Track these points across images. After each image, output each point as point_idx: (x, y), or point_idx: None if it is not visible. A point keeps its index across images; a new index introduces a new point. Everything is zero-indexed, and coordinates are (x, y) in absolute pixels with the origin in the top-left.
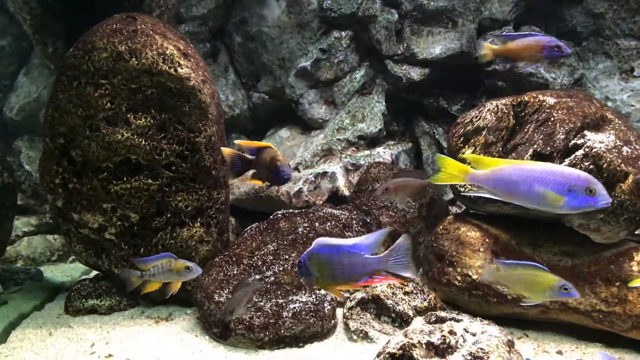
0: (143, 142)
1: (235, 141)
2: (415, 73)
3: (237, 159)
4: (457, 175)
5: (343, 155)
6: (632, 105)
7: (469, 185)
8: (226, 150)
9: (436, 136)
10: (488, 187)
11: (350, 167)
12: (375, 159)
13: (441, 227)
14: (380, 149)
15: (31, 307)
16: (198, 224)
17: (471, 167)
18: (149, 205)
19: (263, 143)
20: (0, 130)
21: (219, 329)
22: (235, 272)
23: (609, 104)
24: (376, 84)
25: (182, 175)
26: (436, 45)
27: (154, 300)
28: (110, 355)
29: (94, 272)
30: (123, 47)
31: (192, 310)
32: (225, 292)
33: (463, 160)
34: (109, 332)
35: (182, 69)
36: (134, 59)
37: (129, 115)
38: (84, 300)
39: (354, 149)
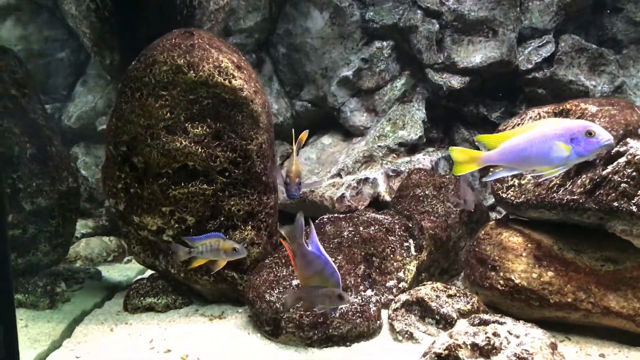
0: (199, 150)
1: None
2: (456, 81)
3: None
4: (471, 161)
5: (384, 162)
6: None
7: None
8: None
9: (475, 143)
10: (503, 164)
11: (391, 173)
12: (415, 165)
13: (483, 232)
14: (420, 156)
15: (92, 304)
16: (249, 227)
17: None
18: (204, 209)
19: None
20: (60, 138)
21: (270, 327)
22: (284, 274)
23: None
24: (416, 92)
25: (235, 181)
26: (476, 54)
27: (207, 299)
28: (169, 350)
29: (149, 272)
30: (182, 61)
31: (244, 309)
32: (275, 292)
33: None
34: (166, 328)
35: (235, 80)
36: (192, 72)
37: (186, 125)
38: (142, 298)
39: (394, 155)
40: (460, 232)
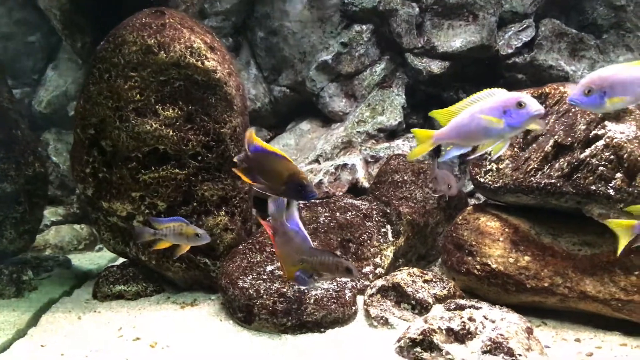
0: (171, 133)
1: (248, 130)
2: (436, 66)
3: (244, 150)
4: (425, 141)
5: (363, 148)
6: None
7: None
8: (249, 133)
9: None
10: (452, 140)
11: (369, 159)
12: (394, 151)
13: (461, 218)
14: (399, 142)
15: (60, 292)
16: (223, 212)
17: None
18: (176, 194)
19: (276, 149)
20: (30, 123)
21: (243, 314)
22: (258, 259)
23: None
24: (396, 77)
25: (208, 165)
26: (457, 38)
27: (179, 287)
28: (137, 339)
29: (121, 260)
30: (152, 41)
31: (217, 297)
32: (249, 278)
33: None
34: (136, 316)
35: (208, 61)
36: (162, 52)
37: (157, 107)
38: (111, 286)
39: (373, 141)
40: (438, 217)
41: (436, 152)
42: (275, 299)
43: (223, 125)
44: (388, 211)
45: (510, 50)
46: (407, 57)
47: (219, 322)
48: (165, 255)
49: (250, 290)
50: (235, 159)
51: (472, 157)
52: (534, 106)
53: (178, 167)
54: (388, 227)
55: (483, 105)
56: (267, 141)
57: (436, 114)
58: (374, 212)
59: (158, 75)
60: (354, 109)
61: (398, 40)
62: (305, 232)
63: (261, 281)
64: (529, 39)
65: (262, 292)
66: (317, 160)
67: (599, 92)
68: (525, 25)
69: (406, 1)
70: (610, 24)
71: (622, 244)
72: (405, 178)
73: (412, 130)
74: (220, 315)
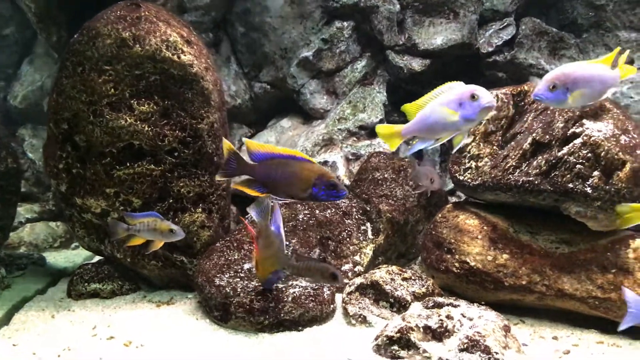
0: (146, 128)
1: (244, 139)
2: (417, 64)
3: (234, 160)
4: (393, 135)
5: (344, 145)
6: (632, 97)
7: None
8: (227, 145)
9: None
10: (417, 134)
11: (350, 157)
12: (375, 148)
13: (440, 215)
14: (381, 139)
15: (34, 291)
16: (200, 209)
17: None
18: (152, 191)
19: (290, 150)
20: (4, 119)
21: (220, 312)
22: (236, 257)
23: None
24: (377, 74)
25: (185, 161)
26: (437, 36)
27: (156, 285)
28: (112, 337)
29: (97, 258)
30: (127, 34)
31: (193, 295)
32: (225, 276)
33: None
34: (111, 315)
35: (185, 55)
36: (137, 46)
37: (132, 101)
38: (86, 284)
39: (354, 138)
40: (419, 215)
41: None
42: (253, 297)
43: (200, 121)
44: (368, 209)
45: (490, 49)
46: (388, 55)
47: (195, 321)
48: (140, 253)
49: (227, 289)
50: (220, 175)
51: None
52: (486, 98)
53: (154, 163)
54: (368, 224)
55: (442, 98)
56: (248, 138)
57: (406, 108)
58: (354, 209)
59: (133, 69)
60: (335, 106)
61: (379, 37)
62: (283, 234)
63: (238, 279)
64: (510, 37)
65: (239, 290)
66: None
67: (563, 88)
68: (505, 24)
69: None
70: (590, 24)
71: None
72: (386, 176)
73: (377, 127)
74: (197, 314)
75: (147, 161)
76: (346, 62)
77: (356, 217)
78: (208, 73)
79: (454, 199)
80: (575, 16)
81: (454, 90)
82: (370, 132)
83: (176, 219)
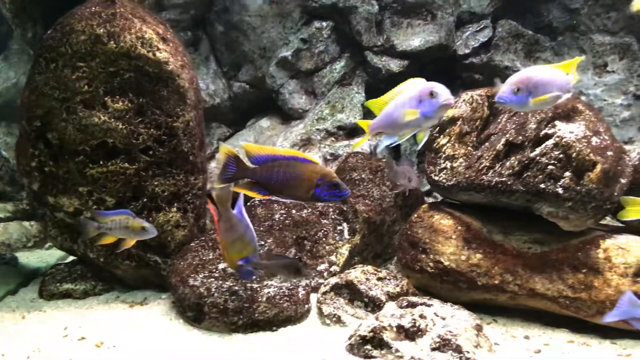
0: (120, 126)
1: (242, 143)
2: (395, 65)
3: (234, 164)
4: (365, 132)
5: (322, 145)
6: (605, 100)
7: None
8: (225, 149)
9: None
10: (382, 130)
11: (328, 157)
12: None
13: (416, 216)
14: (358, 139)
15: (5, 291)
16: (175, 208)
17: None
18: (125, 189)
19: (292, 151)
20: None
21: (193, 313)
22: (211, 257)
23: (583, 98)
24: (356, 75)
25: (159, 160)
26: (415, 37)
27: (130, 285)
28: (83, 338)
29: (71, 258)
30: (101, 30)
31: (167, 295)
32: (200, 276)
33: None
34: (83, 315)
35: (160, 53)
36: (112, 42)
37: (106, 99)
38: (58, 284)
39: (333, 139)
40: (395, 215)
41: (395, 149)
42: (227, 297)
43: (175, 119)
44: (345, 209)
45: (467, 51)
46: (366, 55)
47: (169, 322)
48: (114, 253)
49: (201, 289)
50: (219, 180)
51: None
52: (444, 95)
53: (128, 161)
54: (345, 224)
55: (404, 95)
56: (226, 138)
57: (370, 104)
58: (331, 209)
59: (107, 66)
60: (314, 106)
61: (358, 38)
62: (249, 222)
63: (213, 279)
64: (486, 39)
65: (213, 290)
66: None
67: (526, 91)
68: (482, 26)
69: None
70: (565, 27)
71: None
72: (363, 176)
73: (358, 121)
74: (170, 315)
75: (121, 159)
76: (325, 63)
77: (333, 217)
78: (184, 71)
79: (430, 200)
80: (550, 19)
81: (414, 87)
82: (348, 132)
83: (150, 218)
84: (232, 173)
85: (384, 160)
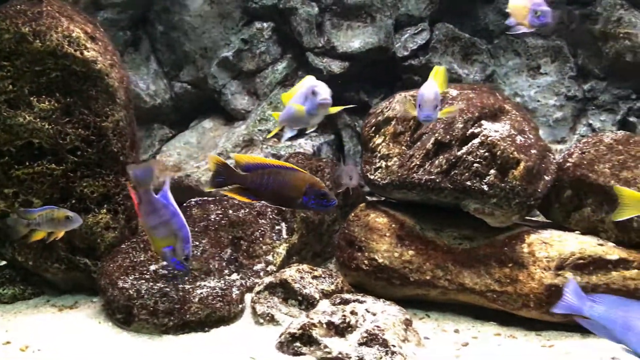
0: (46, 126)
1: (233, 154)
2: (336, 66)
3: (224, 171)
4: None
5: (264, 146)
6: (539, 101)
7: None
8: (214, 158)
9: (357, 128)
10: (286, 123)
11: (271, 158)
12: (296, 149)
13: (353, 214)
14: (302, 140)
15: None
16: (104, 210)
17: None
18: (53, 191)
19: (279, 161)
20: None
21: (122, 315)
22: (142, 259)
23: (518, 99)
24: (298, 76)
25: (88, 161)
26: (355, 39)
27: (61, 289)
28: (8, 342)
29: (2, 263)
30: (27, 29)
31: (99, 299)
32: (130, 278)
33: None
34: (10, 320)
35: (88, 52)
36: (38, 41)
37: (32, 98)
38: None
39: (275, 139)
40: (335, 215)
41: (340, 149)
42: (157, 298)
43: (104, 119)
44: (283, 208)
45: (406, 53)
46: (308, 57)
47: (98, 325)
48: (43, 256)
49: (130, 291)
50: (210, 185)
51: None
52: (322, 95)
53: (55, 162)
54: (283, 224)
55: (298, 92)
56: (168, 140)
57: (283, 97)
58: (269, 209)
59: (33, 65)
60: (256, 107)
61: (299, 39)
62: (177, 207)
63: (143, 281)
64: (424, 42)
65: (143, 292)
66: None
67: (439, 106)
68: (420, 29)
69: (306, 0)
70: (500, 30)
71: (626, 214)
72: None
73: (272, 113)
74: (100, 318)
75: (48, 160)
76: (267, 63)
77: (271, 216)
78: (113, 70)
79: (374, 199)
80: (487, 23)
81: (304, 85)
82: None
83: None
84: (222, 180)
85: (323, 160)
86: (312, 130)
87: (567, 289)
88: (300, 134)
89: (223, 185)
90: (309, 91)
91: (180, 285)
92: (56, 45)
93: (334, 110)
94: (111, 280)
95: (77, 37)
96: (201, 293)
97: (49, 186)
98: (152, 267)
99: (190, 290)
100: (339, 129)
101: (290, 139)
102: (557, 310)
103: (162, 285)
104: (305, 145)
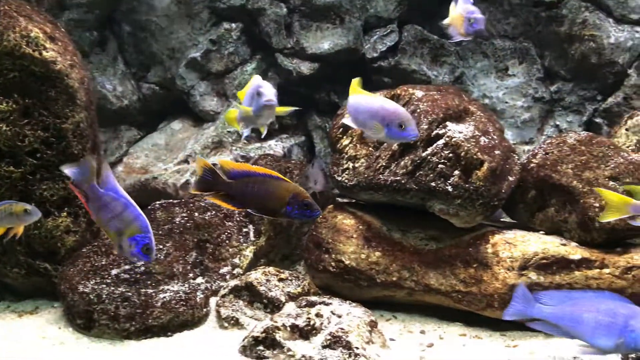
0: (4, 128)
1: (219, 160)
2: (305, 67)
3: (210, 175)
4: (232, 120)
5: (234, 148)
6: (507, 102)
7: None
8: (202, 162)
9: (328, 130)
10: (241, 122)
11: (240, 160)
12: (266, 151)
13: (321, 216)
14: (272, 142)
15: None
16: (65, 213)
17: None
18: (11, 194)
19: (266, 169)
20: None
21: (83, 320)
22: (103, 263)
23: (486, 101)
24: (268, 77)
25: (48, 163)
26: (325, 40)
27: (23, 294)
28: None
29: None
30: None
31: (60, 304)
32: (90, 282)
33: None
34: None
35: (47, 52)
36: None
37: None
38: None
39: (245, 141)
40: None
41: (311, 150)
42: (119, 303)
43: (64, 121)
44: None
45: (375, 54)
46: (277, 57)
47: (57, 330)
48: (1, 261)
49: (90, 295)
50: (195, 188)
51: None
52: (266, 96)
53: (13, 164)
54: (250, 226)
55: (247, 92)
56: (136, 141)
57: (239, 94)
58: (236, 211)
59: None
60: (226, 108)
61: (268, 40)
62: (129, 198)
63: (104, 285)
64: (393, 43)
65: (104, 297)
66: (186, 161)
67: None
68: (389, 31)
69: (274, 1)
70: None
71: (611, 216)
72: None
73: (229, 110)
74: (60, 323)
75: (6, 163)
76: (236, 64)
77: (238, 219)
78: (74, 70)
79: (344, 201)
80: None
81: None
82: (260, 134)
83: (38, 224)
84: (207, 184)
85: (292, 161)
86: (266, 132)
87: (516, 294)
88: (270, 135)
89: (207, 190)
90: (253, 91)
91: (144, 290)
92: (14, 45)
93: (281, 110)
94: (71, 285)
95: (36, 37)
96: (164, 297)
97: (7, 189)
98: (114, 272)
99: (153, 294)
100: (309, 131)
101: (261, 140)
102: (507, 316)
103: (124, 290)
104: (276, 146)
